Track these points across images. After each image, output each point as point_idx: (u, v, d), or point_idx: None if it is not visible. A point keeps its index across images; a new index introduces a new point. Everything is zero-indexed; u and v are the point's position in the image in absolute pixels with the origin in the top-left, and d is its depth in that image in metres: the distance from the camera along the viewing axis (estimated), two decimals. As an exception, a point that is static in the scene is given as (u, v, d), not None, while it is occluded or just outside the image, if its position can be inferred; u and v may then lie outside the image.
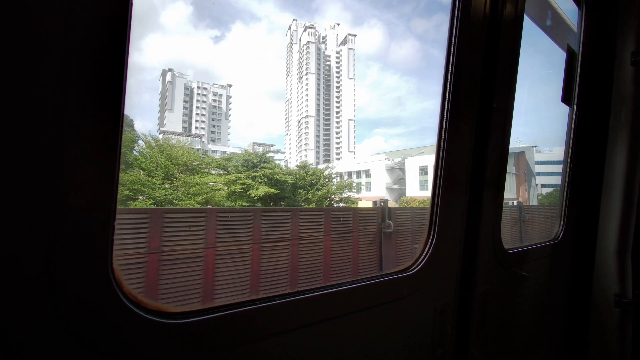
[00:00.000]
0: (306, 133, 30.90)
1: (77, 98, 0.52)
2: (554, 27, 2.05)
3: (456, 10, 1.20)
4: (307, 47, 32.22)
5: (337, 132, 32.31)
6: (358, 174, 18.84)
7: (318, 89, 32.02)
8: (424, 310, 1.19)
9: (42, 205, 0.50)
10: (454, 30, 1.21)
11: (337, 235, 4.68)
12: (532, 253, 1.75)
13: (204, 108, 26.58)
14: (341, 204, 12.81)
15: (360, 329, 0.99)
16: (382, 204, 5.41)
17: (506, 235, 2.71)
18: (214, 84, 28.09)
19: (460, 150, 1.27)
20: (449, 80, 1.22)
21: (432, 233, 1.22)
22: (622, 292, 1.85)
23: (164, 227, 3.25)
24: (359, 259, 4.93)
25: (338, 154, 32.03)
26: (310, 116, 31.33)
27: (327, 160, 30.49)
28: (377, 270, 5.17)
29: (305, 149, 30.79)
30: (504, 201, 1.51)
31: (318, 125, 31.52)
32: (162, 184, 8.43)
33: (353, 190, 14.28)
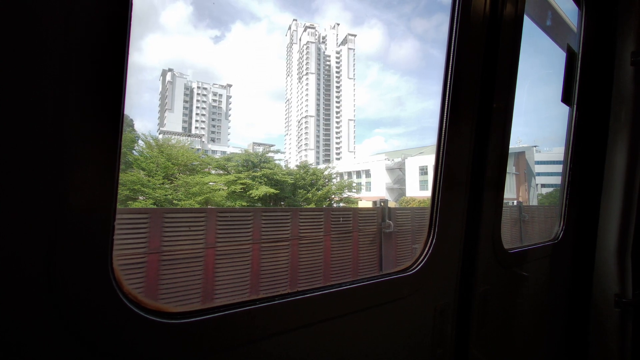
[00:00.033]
0: (306, 133, 30.91)
1: (77, 98, 0.52)
2: (554, 27, 2.05)
3: (456, 10, 1.20)
4: (307, 47, 32.23)
5: (337, 132, 32.31)
6: (358, 174, 18.84)
7: (318, 89, 32.03)
8: (424, 310, 1.19)
9: (42, 205, 0.50)
10: (454, 30, 1.21)
11: (337, 235, 4.68)
12: (532, 253, 1.75)
13: (204, 108, 26.59)
14: (341, 204, 12.81)
15: (360, 329, 0.99)
16: (382, 204, 5.41)
17: (506, 235, 2.71)
18: (214, 84, 28.13)
19: (460, 150, 1.27)
20: (449, 80, 1.22)
21: (432, 233, 1.22)
22: (622, 292, 1.85)
23: (164, 227, 3.25)
24: (359, 259, 4.93)
25: (338, 154, 32.03)
26: (310, 116, 31.33)
27: (327, 160, 30.49)
28: (377, 270, 5.17)
29: (305, 149, 30.79)
30: (504, 201, 1.51)
31: (318, 125, 31.52)
32: (162, 184, 8.43)
33: (353, 190, 14.28)
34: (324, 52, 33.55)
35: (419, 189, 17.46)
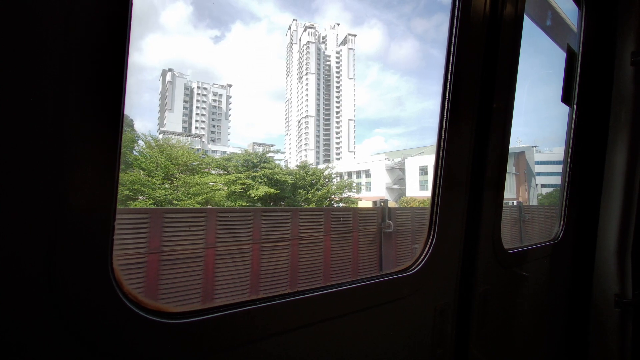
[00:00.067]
0: (306, 133, 30.91)
1: (77, 98, 0.52)
2: (554, 27, 2.05)
3: (456, 10, 1.20)
4: (307, 47, 32.23)
5: (337, 132, 32.32)
6: (358, 174, 18.84)
7: (318, 89, 32.03)
8: (424, 310, 1.19)
9: (42, 205, 0.50)
10: (454, 30, 1.21)
11: (337, 235, 4.68)
12: (532, 253, 1.75)
13: (204, 108, 26.59)
14: (341, 204, 12.81)
15: (360, 329, 0.99)
16: (382, 204, 5.41)
17: (506, 235, 2.71)
18: (214, 84, 28.12)
19: (460, 150, 1.27)
20: (449, 80, 1.22)
21: (432, 233, 1.22)
22: (622, 292, 1.85)
23: (164, 227, 3.25)
24: (359, 259, 4.93)
25: (338, 154, 32.03)
26: (310, 116, 31.33)
27: (327, 160, 30.49)
28: (377, 270, 5.17)
29: (305, 149, 30.79)
30: (504, 201, 1.51)
31: (318, 125, 31.52)
32: (162, 184, 8.43)
33: (353, 190, 14.28)
34: (324, 52, 33.56)
35: (419, 189, 17.47)
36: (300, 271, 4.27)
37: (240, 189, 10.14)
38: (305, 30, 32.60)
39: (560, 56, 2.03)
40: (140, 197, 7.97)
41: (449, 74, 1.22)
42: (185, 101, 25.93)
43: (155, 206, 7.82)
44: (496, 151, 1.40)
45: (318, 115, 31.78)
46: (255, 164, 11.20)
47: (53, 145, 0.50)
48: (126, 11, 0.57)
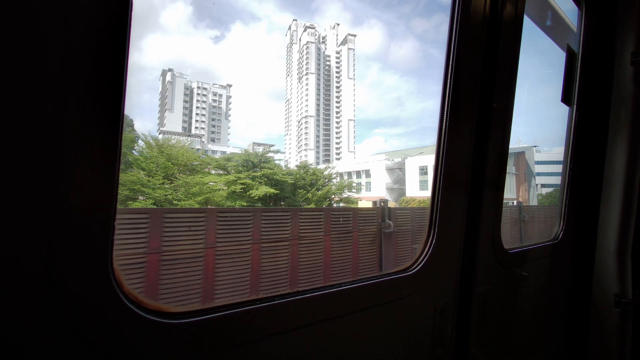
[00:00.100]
0: (306, 133, 30.90)
1: (77, 98, 0.52)
2: (554, 27, 2.05)
3: (456, 10, 1.20)
4: (307, 47, 32.22)
5: (337, 132, 32.31)
6: (358, 174, 18.84)
7: (318, 89, 32.02)
8: (424, 310, 1.19)
9: (42, 205, 0.50)
10: (454, 30, 1.21)
11: (337, 235, 4.68)
12: (532, 253, 1.75)
13: (204, 108, 26.58)
14: (341, 204, 12.81)
15: (360, 329, 0.99)
16: (382, 204, 5.41)
17: (506, 235, 2.71)
18: (214, 84, 28.11)
19: (460, 150, 1.27)
20: (449, 80, 1.22)
21: (432, 233, 1.22)
22: (622, 292, 1.85)
23: (164, 227, 3.25)
24: (359, 259, 4.93)
25: (338, 154, 32.03)
26: (310, 116, 31.33)
27: (327, 161, 30.49)
28: (377, 270, 5.17)
29: (305, 149, 30.79)
30: (504, 201, 1.51)
31: (318, 125, 31.52)
32: (162, 184, 8.43)
33: (353, 190, 14.28)
34: (323, 52, 33.56)
35: (418, 189, 17.47)
36: (300, 271, 4.26)
37: (240, 189, 10.14)
38: (305, 30, 32.60)
39: (560, 56, 2.03)
40: (140, 197, 7.97)
41: (449, 74, 1.22)
42: (185, 101, 25.93)
43: (155, 206, 7.82)
44: (496, 151, 1.40)
45: (318, 115, 31.78)
46: (255, 164, 11.20)
47: (53, 145, 0.50)
48: (126, 11, 0.57)
